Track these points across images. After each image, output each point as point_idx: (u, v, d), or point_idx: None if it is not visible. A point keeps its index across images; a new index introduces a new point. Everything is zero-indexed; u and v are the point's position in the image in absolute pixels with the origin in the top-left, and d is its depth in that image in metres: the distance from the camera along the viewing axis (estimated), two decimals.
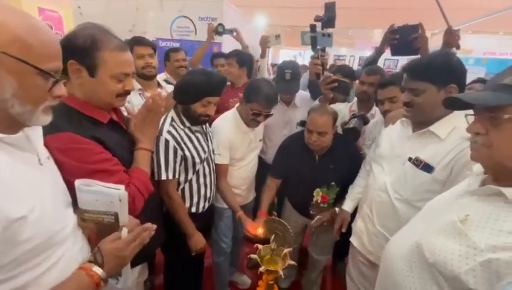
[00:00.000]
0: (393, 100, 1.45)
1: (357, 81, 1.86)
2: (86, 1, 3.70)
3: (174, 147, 1.24)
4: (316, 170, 1.52)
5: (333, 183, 1.51)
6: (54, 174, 0.71)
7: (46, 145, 0.76)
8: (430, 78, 1.01)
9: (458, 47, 1.52)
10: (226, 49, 2.91)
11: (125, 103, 1.04)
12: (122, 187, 0.73)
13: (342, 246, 1.62)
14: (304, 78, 2.37)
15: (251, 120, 1.50)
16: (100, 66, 0.86)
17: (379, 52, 1.82)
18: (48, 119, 0.64)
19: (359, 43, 9.28)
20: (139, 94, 1.73)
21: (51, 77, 0.59)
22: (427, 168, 1.05)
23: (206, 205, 1.46)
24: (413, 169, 1.08)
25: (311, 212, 1.58)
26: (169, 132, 1.25)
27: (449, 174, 1.02)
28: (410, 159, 1.10)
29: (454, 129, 1.03)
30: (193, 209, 1.40)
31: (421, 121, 1.10)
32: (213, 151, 1.48)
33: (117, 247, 0.71)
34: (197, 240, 1.36)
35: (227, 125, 1.53)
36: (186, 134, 1.30)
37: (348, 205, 1.47)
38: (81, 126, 0.86)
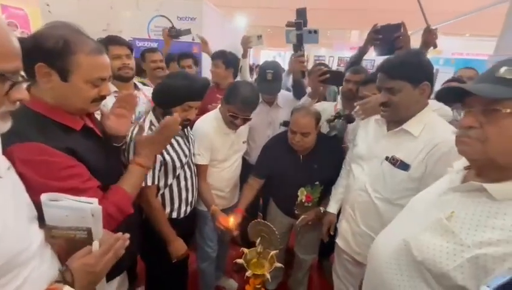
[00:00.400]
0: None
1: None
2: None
3: None
4: (300, 170, 1.52)
5: (317, 182, 1.52)
6: (15, 187, 0.64)
7: (9, 155, 0.69)
8: (406, 76, 1.04)
9: (435, 46, 1.56)
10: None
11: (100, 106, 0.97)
12: (95, 201, 0.67)
13: (327, 245, 1.64)
14: (284, 79, 2.37)
15: (229, 122, 1.49)
16: (74, 70, 0.78)
17: (362, 51, 1.83)
18: (5, 126, 0.57)
19: (337, 44, 9.54)
20: (115, 96, 1.64)
21: (6, 80, 0.53)
22: (403, 166, 1.08)
23: (188, 210, 1.41)
24: (390, 168, 1.11)
25: (296, 212, 1.58)
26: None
27: (424, 171, 1.05)
28: (387, 158, 1.13)
29: (426, 126, 1.07)
30: (174, 215, 1.35)
31: (397, 120, 1.13)
32: (193, 153, 1.44)
33: (88, 262, 0.65)
34: (178, 246, 1.31)
35: (209, 125, 1.50)
36: None
37: (332, 207, 1.48)
38: (51, 135, 0.77)
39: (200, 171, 1.48)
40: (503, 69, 0.59)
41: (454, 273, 0.60)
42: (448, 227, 0.64)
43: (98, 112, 1.06)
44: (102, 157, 0.90)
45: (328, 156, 1.53)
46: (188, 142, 1.39)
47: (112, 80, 1.59)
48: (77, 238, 0.67)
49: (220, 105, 1.58)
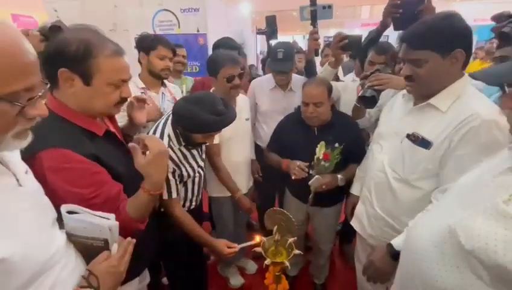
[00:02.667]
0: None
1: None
2: (60, 3, 3.54)
3: (173, 168, 1.19)
4: (314, 143, 1.43)
5: (337, 144, 1.41)
6: (35, 191, 0.65)
7: (38, 162, 0.71)
8: (433, 44, 0.91)
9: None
10: (212, 40, 2.80)
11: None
12: (112, 217, 0.68)
13: (348, 230, 1.59)
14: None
15: (230, 89, 1.47)
16: (95, 73, 0.78)
17: (383, 26, 1.68)
18: (23, 143, 0.56)
19: (347, 22, 9.12)
20: (141, 92, 1.67)
21: (11, 103, 0.50)
22: (424, 143, 0.98)
23: (193, 206, 1.41)
24: (411, 145, 1.01)
25: (310, 172, 1.45)
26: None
27: (447, 148, 0.94)
28: (408, 135, 1.04)
29: (458, 100, 0.95)
30: None
31: (425, 94, 1.01)
32: (202, 159, 1.42)
33: (112, 264, 0.67)
34: (217, 248, 1.25)
35: None
36: (182, 153, 1.24)
37: (355, 189, 1.43)
38: (75, 140, 0.79)
39: (214, 150, 1.48)
40: None
41: None
42: (507, 212, 0.55)
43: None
44: (124, 162, 0.91)
45: (344, 130, 1.47)
46: (201, 150, 1.37)
47: (144, 74, 1.64)
48: (94, 246, 0.70)
49: (213, 88, 1.57)
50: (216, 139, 1.51)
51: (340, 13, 9.29)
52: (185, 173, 1.25)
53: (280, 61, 1.69)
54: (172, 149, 1.20)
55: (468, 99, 0.94)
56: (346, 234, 2.16)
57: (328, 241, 1.76)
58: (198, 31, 3.25)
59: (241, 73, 1.50)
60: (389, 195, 1.10)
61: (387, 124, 1.17)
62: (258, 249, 1.08)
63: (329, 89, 1.44)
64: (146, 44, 1.60)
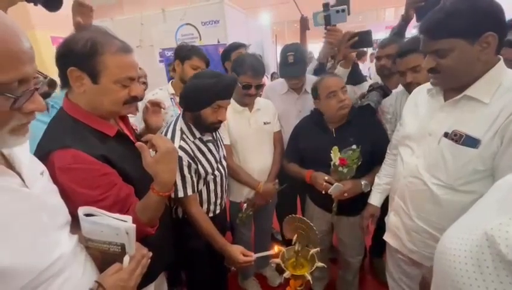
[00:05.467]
0: (416, 70, 1.26)
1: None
2: (94, 24, 3.83)
3: (188, 162, 1.17)
4: (334, 146, 1.32)
5: (354, 146, 1.29)
6: (43, 193, 0.63)
7: (50, 162, 0.72)
8: (457, 31, 0.81)
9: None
10: None
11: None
12: (129, 219, 0.67)
13: (378, 242, 1.45)
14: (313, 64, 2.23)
15: (244, 95, 1.47)
16: (102, 71, 0.78)
17: (405, 19, 1.62)
18: (22, 139, 0.54)
19: (371, 26, 8.90)
20: (171, 98, 1.75)
21: (7, 94, 0.46)
22: (471, 142, 0.85)
23: (218, 210, 1.37)
24: (453, 146, 0.89)
25: (325, 178, 1.35)
26: (181, 147, 1.15)
27: (499, 145, 0.81)
28: (446, 134, 0.91)
29: (501, 87, 0.82)
30: None
31: (455, 85, 0.90)
32: (224, 156, 1.39)
33: (122, 278, 0.65)
34: (231, 254, 1.18)
35: None
36: (198, 146, 1.21)
37: (375, 199, 1.31)
38: (86, 141, 0.79)
39: (225, 152, 1.45)
40: None
41: None
42: None
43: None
44: (135, 164, 0.89)
45: (364, 129, 1.36)
46: (218, 145, 1.34)
47: (178, 82, 1.73)
48: (111, 251, 0.68)
49: None
50: (226, 140, 1.50)
51: (363, 17, 9.10)
52: (201, 170, 1.21)
53: (291, 66, 1.63)
54: (186, 142, 1.18)
55: None
56: (376, 246, 1.99)
57: (355, 254, 1.61)
58: (218, 42, 3.33)
59: (261, 85, 1.48)
60: (430, 204, 0.96)
61: (415, 123, 1.05)
62: (277, 260, 1.01)
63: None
64: (182, 53, 1.68)
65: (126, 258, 0.68)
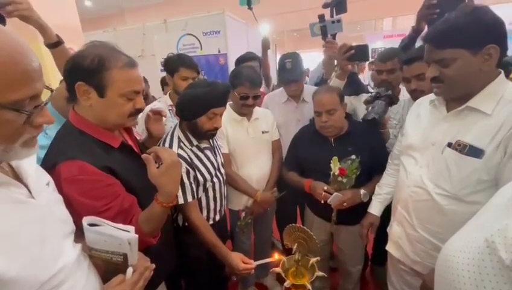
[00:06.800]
0: (420, 77, 1.27)
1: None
2: (97, 35, 3.91)
3: (187, 169, 1.19)
4: (332, 155, 1.33)
5: (353, 156, 1.30)
6: (49, 203, 0.64)
7: (56, 173, 0.73)
8: (461, 41, 0.83)
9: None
10: (232, 59, 2.88)
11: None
12: (132, 229, 0.68)
13: (380, 251, 1.45)
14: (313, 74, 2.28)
15: (242, 106, 1.51)
16: (109, 85, 0.81)
17: (416, 31, 1.59)
18: (32, 151, 0.56)
19: (369, 36, 9.03)
20: (169, 110, 1.76)
21: (22, 111, 0.49)
22: (475, 152, 0.86)
23: (217, 217, 1.38)
24: (457, 156, 0.90)
25: (325, 188, 1.35)
26: (179, 155, 1.17)
27: (503, 156, 0.83)
28: (450, 144, 0.92)
29: (502, 99, 0.85)
30: None
31: (457, 96, 0.92)
32: (222, 163, 1.41)
33: None
34: (232, 262, 1.18)
35: None
36: (195, 154, 1.24)
37: (375, 208, 1.31)
38: (91, 153, 0.82)
39: (223, 160, 1.46)
40: None
41: None
42: None
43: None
44: (139, 175, 0.91)
45: (363, 140, 1.37)
46: (215, 153, 1.36)
47: (173, 94, 1.73)
48: (113, 261, 0.69)
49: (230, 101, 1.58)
50: (225, 149, 1.52)
51: (361, 27, 9.24)
52: (200, 177, 1.22)
53: (289, 71, 1.68)
54: (183, 149, 1.20)
55: None
56: (377, 255, 1.98)
57: (356, 263, 1.61)
58: (219, 51, 3.39)
59: (258, 95, 1.51)
60: (435, 214, 0.96)
61: (418, 133, 1.06)
62: (277, 269, 1.01)
63: (341, 95, 1.38)
64: (169, 67, 1.69)
65: (129, 270, 0.68)
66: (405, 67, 1.35)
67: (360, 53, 1.48)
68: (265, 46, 2.44)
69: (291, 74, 1.68)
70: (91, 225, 0.68)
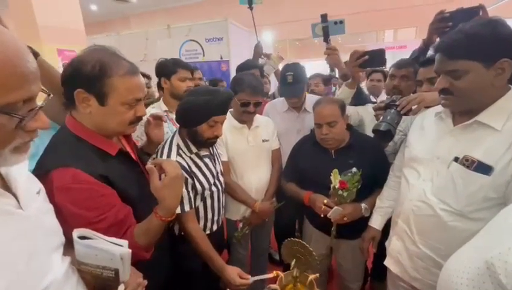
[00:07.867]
0: (433, 81, 1.22)
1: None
2: (100, 39, 3.93)
3: (185, 177, 1.15)
4: (332, 168, 1.29)
5: (354, 169, 1.25)
6: (39, 214, 0.60)
7: (49, 181, 0.70)
8: (474, 54, 0.80)
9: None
10: (234, 65, 2.89)
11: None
12: (125, 243, 0.65)
13: (380, 266, 1.40)
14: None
15: (242, 113, 1.48)
16: (110, 93, 0.78)
17: (427, 43, 1.54)
18: (22, 157, 0.52)
19: (370, 47, 9.14)
20: (165, 115, 1.71)
21: (9, 115, 0.46)
22: (484, 169, 0.83)
23: (215, 227, 1.34)
24: (464, 172, 0.86)
25: (325, 201, 1.31)
26: (178, 163, 1.15)
27: None
28: (456, 159, 0.89)
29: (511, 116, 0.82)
30: None
31: (465, 109, 0.89)
32: (221, 172, 1.38)
33: None
34: (228, 276, 1.13)
35: None
36: (194, 161, 1.21)
37: (376, 222, 1.28)
38: (87, 160, 0.78)
39: (223, 169, 1.44)
40: None
41: None
42: None
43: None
44: (136, 184, 0.88)
45: (365, 152, 1.34)
46: (215, 161, 1.33)
47: (169, 98, 1.70)
48: (104, 276, 0.66)
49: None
50: (224, 156, 1.49)
51: (363, 38, 9.34)
52: (198, 185, 1.19)
53: (290, 86, 1.64)
54: (182, 157, 1.17)
55: None
56: (377, 271, 1.92)
57: (356, 279, 1.56)
58: (221, 58, 3.40)
59: (259, 102, 1.49)
60: (437, 230, 0.93)
61: (423, 146, 1.03)
62: (274, 286, 0.96)
63: (342, 107, 1.35)
64: (167, 69, 1.67)
65: (121, 288, 0.65)
66: (421, 69, 1.32)
67: (376, 58, 1.41)
68: (258, 52, 2.44)
69: (291, 88, 1.65)
70: (82, 237, 0.64)
